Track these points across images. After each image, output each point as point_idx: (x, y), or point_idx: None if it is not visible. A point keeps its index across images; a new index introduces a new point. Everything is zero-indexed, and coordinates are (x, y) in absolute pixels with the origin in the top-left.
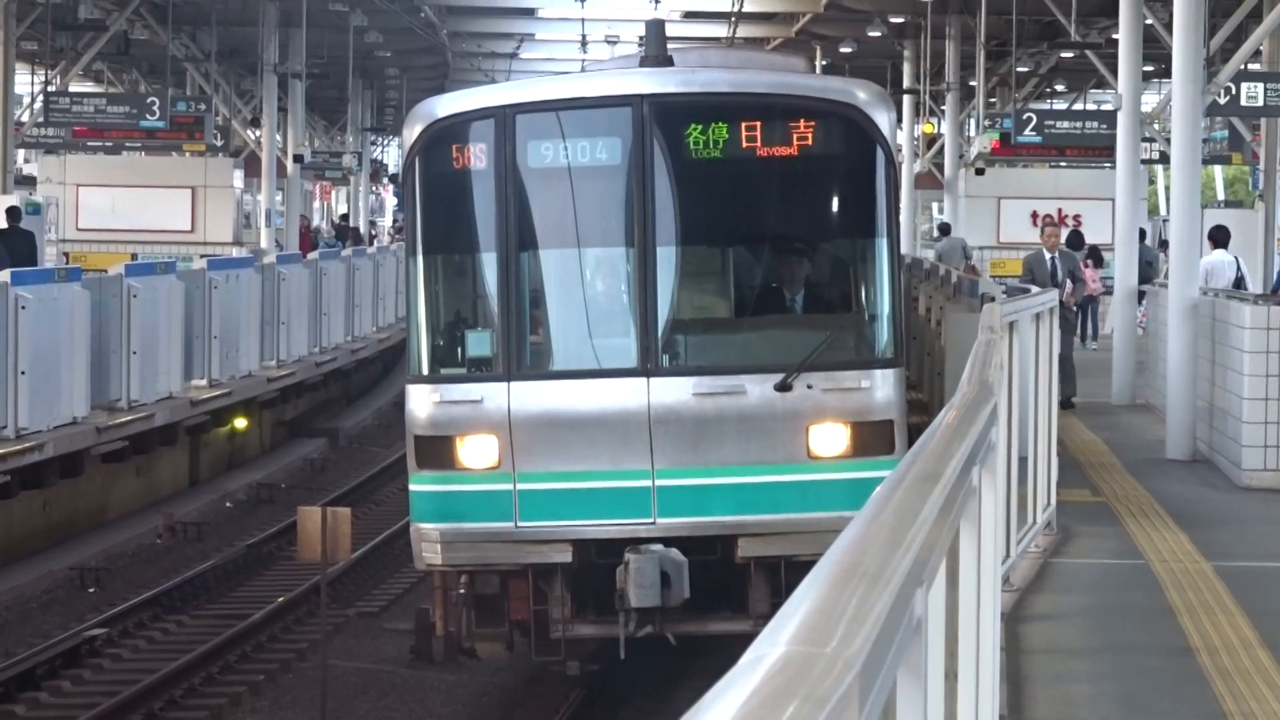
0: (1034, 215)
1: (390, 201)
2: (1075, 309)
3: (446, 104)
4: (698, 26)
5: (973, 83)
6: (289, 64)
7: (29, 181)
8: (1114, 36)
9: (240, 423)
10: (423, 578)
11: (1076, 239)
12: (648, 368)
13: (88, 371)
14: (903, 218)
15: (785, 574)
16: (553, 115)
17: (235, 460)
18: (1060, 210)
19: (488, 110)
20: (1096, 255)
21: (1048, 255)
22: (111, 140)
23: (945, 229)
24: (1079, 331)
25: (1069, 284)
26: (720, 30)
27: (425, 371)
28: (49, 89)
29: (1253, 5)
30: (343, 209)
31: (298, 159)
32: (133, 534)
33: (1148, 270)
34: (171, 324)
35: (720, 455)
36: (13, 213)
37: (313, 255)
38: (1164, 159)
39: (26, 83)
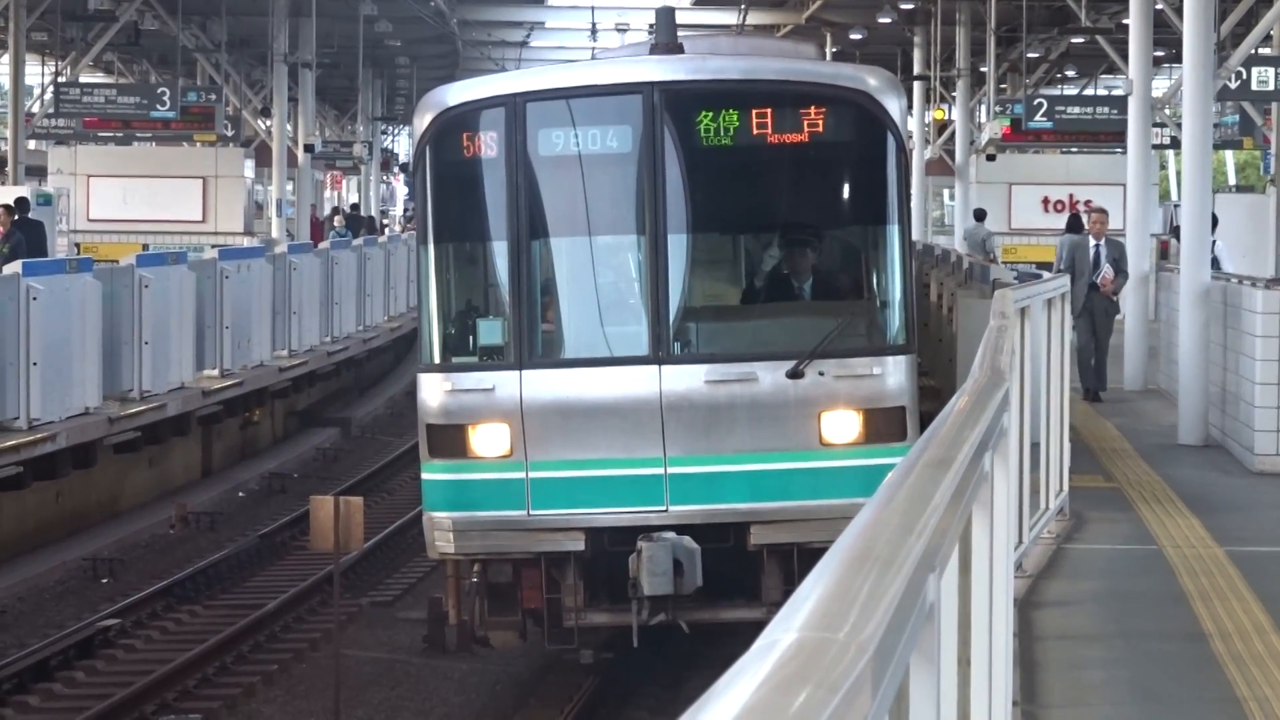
0: (1045, 201)
1: (401, 191)
2: (1115, 298)
3: (457, 92)
4: (708, 14)
5: (983, 69)
6: (299, 53)
7: (40, 172)
8: (1124, 21)
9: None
10: (435, 567)
11: (1075, 222)
12: (659, 355)
13: (99, 362)
14: (914, 204)
15: (798, 561)
16: (563, 103)
17: (248, 450)
18: (1071, 196)
19: (498, 98)
20: None
21: (1093, 242)
22: (122, 131)
23: (979, 214)
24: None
25: (1108, 270)
26: (730, 17)
27: (437, 360)
28: (59, 80)
29: None
30: (354, 198)
31: (308, 148)
32: (146, 524)
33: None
34: (183, 314)
35: (732, 443)
36: (21, 203)
37: (324, 244)
38: (1175, 144)
39: (37, 73)
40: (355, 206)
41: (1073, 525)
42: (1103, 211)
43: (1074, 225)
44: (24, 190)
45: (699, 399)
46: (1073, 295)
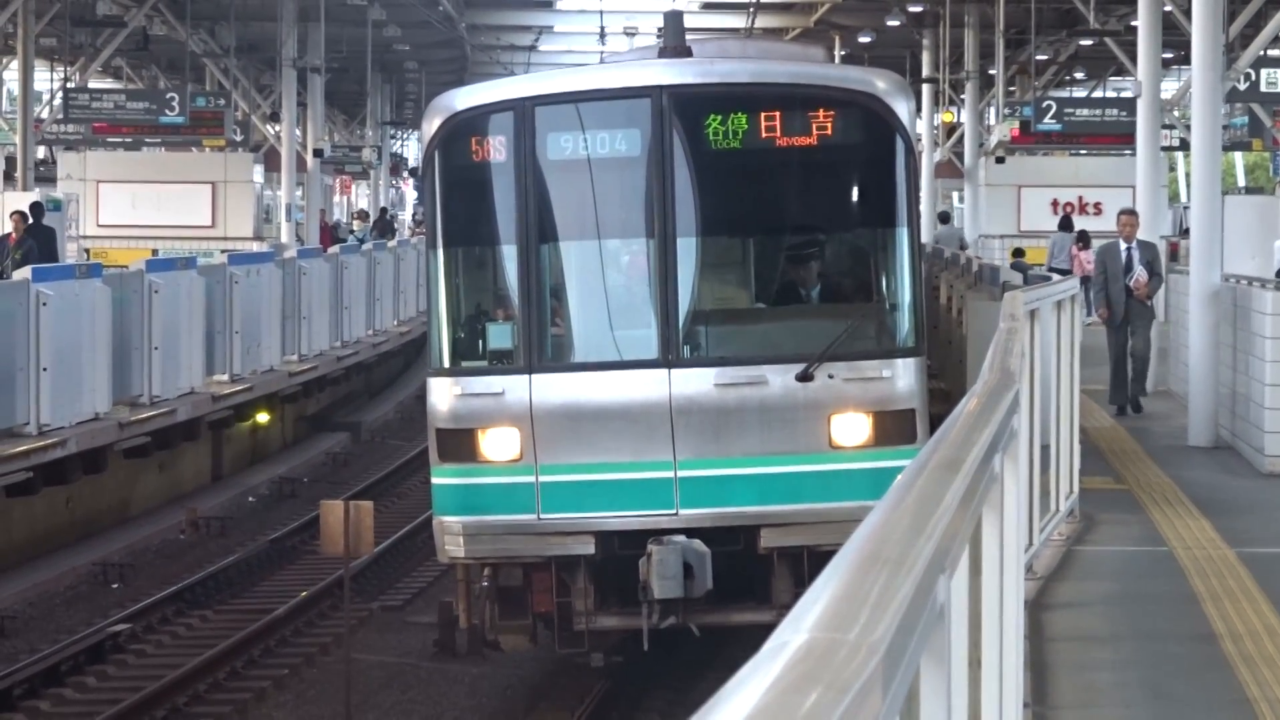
0: (1054, 203)
1: (410, 195)
2: (1149, 302)
3: (465, 97)
4: (716, 17)
5: (992, 71)
6: (308, 58)
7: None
8: (1133, 23)
9: (262, 417)
10: (446, 571)
11: (1066, 223)
12: (669, 359)
13: (109, 367)
14: (923, 207)
15: (808, 564)
16: (572, 107)
17: (258, 455)
18: (1081, 198)
19: (507, 103)
20: (1085, 238)
21: (1123, 246)
22: (131, 136)
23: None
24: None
25: (1141, 273)
26: (739, 21)
27: (446, 364)
28: (68, 85)
29: None
30: (363, 203)
31: (317, 153)
32: (156, 529)
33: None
34: (192, 319)
35: (742, 446)
36: (35, 209)
37: (334, 249)
38: (1184, 146)
39: (46, 79)
40: (384, 211)
41: (1083, 527)
42: (1132, 214)
43: (1064, 225)
44: (34, 195)
45: (708, 402)
46: (1110, 301)
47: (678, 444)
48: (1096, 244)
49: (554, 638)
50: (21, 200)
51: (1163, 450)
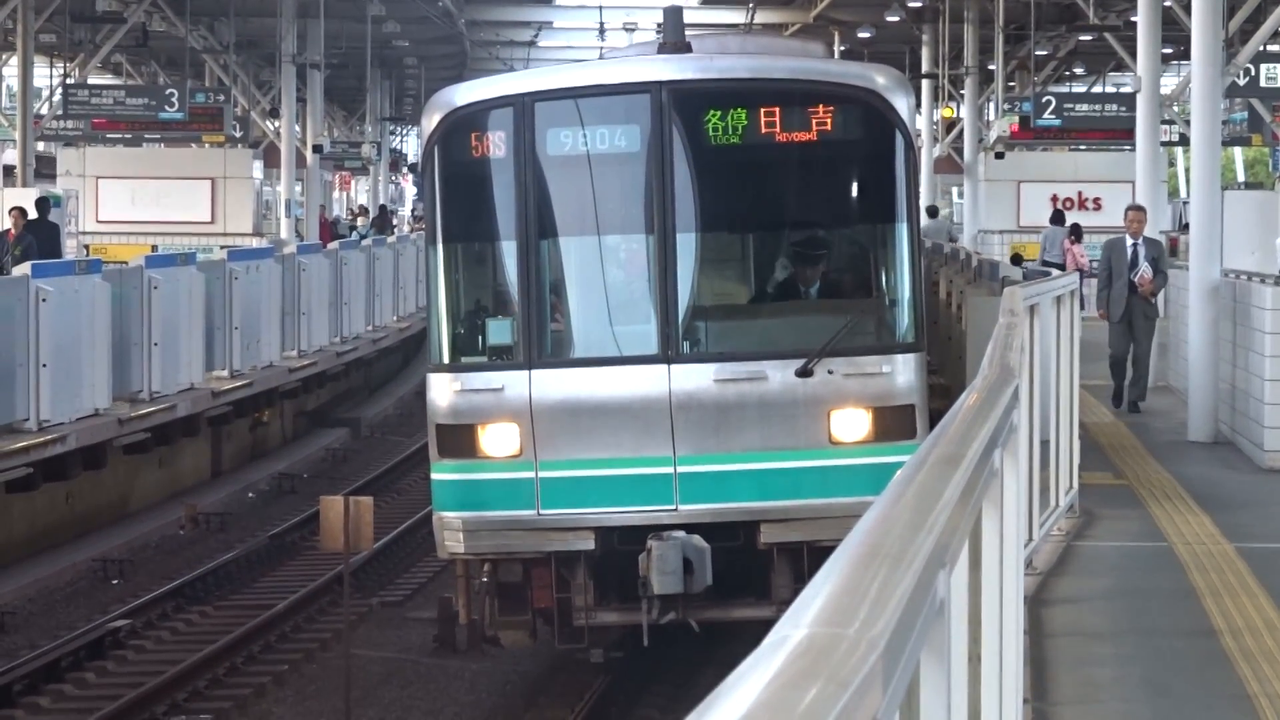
0: (1054, 198)
1: (410, 191)
2: (1152, 299)
3: (465, 93)
4: (715, 12)
5: (991, 66)
6: (307, 54)
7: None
8: (1133, 19)
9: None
10: (446, 566)
11: (1058, 217)
12: (669, 354)
13: (109, 363)
14: (922, 202)
15: (807, 560)
16: (571, 103)
17: (257, 451)
18: (1080, 193)
19: (506, 98)
20: (1078, 232)
21: (1130, 241)
22: (130, 132)
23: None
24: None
25: (1146, 269)
26: (738, 16)
27: (446, 360)
28: (68, 81)
29: None
30: (362, 199)
31: (317, 149)
32: (155, 525)
33: None
34: (192, 315)
35: (742, 441)
36: (41, 204)
37: (333, 245)
38: (1184, 141)
39: (45, 75)
40: (383, 208)
41: (1083, 522)
42: (1140, 210)
43: (1055, 220)
44: (34, 191)
45: (708, 398)
46: (1112, 298)
47: (677, 440)
48: (1089, 239)
49: (554, 633)
50: (21, 196)
51: (1162, 445)
